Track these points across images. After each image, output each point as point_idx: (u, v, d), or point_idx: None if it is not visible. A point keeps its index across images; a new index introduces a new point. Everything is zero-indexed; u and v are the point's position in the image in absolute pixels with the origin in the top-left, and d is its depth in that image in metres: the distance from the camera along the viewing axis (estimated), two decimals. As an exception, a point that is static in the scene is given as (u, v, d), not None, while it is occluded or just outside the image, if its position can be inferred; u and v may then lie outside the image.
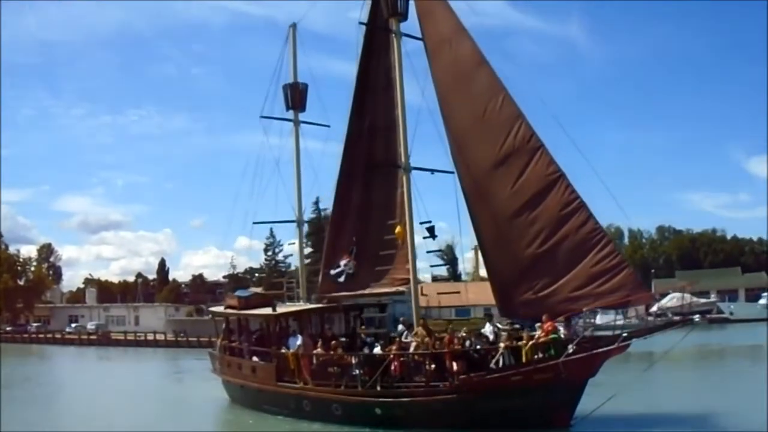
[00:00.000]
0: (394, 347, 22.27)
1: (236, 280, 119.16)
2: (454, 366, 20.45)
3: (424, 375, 20.94)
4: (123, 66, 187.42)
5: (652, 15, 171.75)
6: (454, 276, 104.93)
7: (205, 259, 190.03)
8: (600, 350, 19.15)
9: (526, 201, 21.32)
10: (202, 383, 40.17)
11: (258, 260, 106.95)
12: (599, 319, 25.27)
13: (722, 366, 38.00)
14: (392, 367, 21.40)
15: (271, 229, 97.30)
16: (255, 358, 26.36)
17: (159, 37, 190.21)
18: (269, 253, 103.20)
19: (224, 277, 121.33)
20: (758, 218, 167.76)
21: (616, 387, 20.09)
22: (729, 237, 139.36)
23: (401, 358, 21.42)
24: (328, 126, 30.45)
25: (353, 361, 22.57)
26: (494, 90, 22.14)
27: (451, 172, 24.53)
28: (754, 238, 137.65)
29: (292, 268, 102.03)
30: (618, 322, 19.83)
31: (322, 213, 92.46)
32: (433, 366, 20.88)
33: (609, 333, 19.74)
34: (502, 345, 20.15)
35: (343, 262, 25.10)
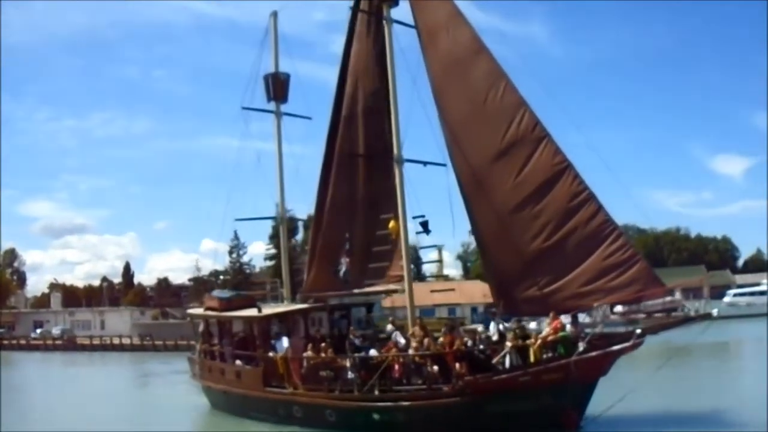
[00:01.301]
0: (392, 349, 21.15)
1: (201, 283, 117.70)
2: (458, 367, 19.34)
3: (426, 377, 19.78)
4: (86, 69, 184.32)
5: (615, 15, 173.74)
6: (418, 276, 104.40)
7: (170, 262, 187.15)
8: (614, 348, 18.20)
9: (530, 193, 20.28)
10: (175, 388, 39.03)
11: (223, 263, 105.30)
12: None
13: (719, 363, 37.31)
14: (391, 370, 20.21)
15: (235, 231, 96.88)
16: (238, 362, 25.01)
17: (121, 39, 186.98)
18: (233, 255, 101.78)
19: (189, 280, 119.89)
20: (721, 216, 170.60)
21: (627, 385, 19.08)
22: (693, 235, 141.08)
23: (401, 360, 20.23)
24: (310, 118, 29.38)
25: (348, 364, 21.34)
26: (495, 77, 21.09)
27: (444, 165, 23.59)
28: (718, 236, 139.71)
29: (257, 270, 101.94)
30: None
31: (287, 214, 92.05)
32: (435, 368, 19.75)
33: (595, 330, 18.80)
34: (509, 344, 19.06)
35: (341, 258, 23.80)
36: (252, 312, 25.08)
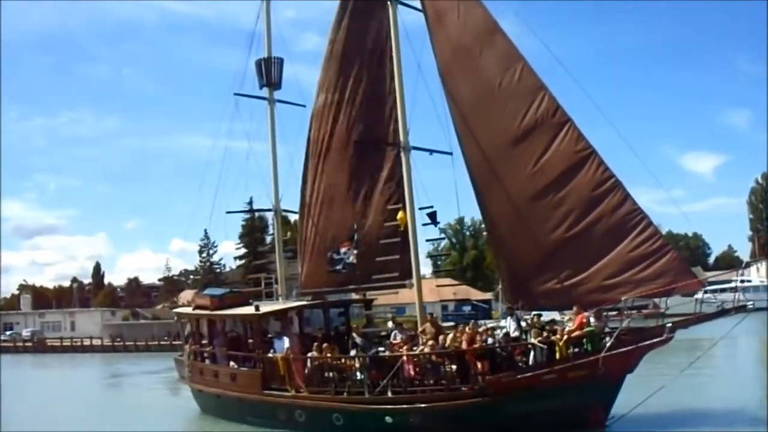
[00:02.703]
0: (404, 347, 19.95)
1: (171, 283, 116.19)
2: (479, 366, 18.20)
3: (443, 377, 18.60)
4: (54, 67, 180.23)
5: (584, 15, 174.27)
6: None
7: (140, 262, 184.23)
8: (644, 344, 17.23)
9: (551, 181, 19.16)
10: (155, 391, 37.53)
11: (192, 262, 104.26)
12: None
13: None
14: (404, 370, 18.98)
15: (205, 230, 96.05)
16: (233, 364, 23.59)
17: (90, 38, 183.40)
18: (204, 255, 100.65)
19: (160, 279, 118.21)
20: (693, 213, 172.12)
21: (655, 381, 18.13)
22: (664, 232, 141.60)
23: (417, 359, 19.02)
24: (304, 106, 27.91)
25: (357, 364, 20.07)
26: (512, 59, 19.93)
27: (450, 153, 22.48)
28: (689, 234, 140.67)
29: (227, 269, 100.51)
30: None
31: (257, 214, 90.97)
32: (453, 367, 18.59)
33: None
34: (534, 340, 17.98)
35: (343, 250, 22.42)
36: (248, 310, 23.68)
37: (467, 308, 75.52)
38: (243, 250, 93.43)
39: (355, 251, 22.03)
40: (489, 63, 20.34)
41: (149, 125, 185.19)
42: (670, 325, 17.12)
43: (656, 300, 20.51)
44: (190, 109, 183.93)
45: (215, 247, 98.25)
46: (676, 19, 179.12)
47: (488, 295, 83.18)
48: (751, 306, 17.06)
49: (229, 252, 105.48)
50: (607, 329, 18.36)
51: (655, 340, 17.10)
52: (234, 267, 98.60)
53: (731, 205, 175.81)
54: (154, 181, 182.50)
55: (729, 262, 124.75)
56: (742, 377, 27.86)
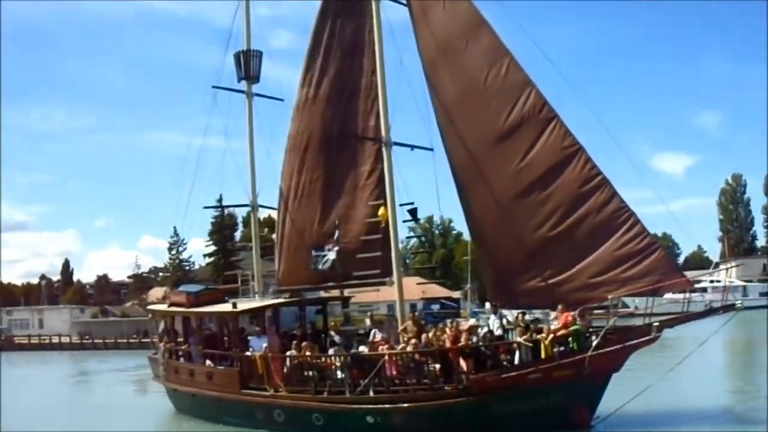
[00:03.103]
0: (383, 345, 19.60)
1: (141, 280, 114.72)
2: (463, 365, 17.90)
3: (426, 376, 18.27)
4: (25, 62, 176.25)
5: (558, 12, 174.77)
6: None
7: (109, 259, 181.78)
8: (632, 343, 17.07)
9: (536, 178, 18.91)
10: (126, 389, 36.80)
11: (162, 259, 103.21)
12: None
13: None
14: (387, 369, 18.62)
15: (174, 227, 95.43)
16: (209, 363, 23.04)
17: (62, 32, 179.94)
18: (173, 252, 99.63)
19: (129, 277, 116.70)
20: (662, 214, 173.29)
21: (641, 381, 17.97)
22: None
23: (400, 357, 18.65)
24: (282, 100, 27.46)
25: (337, 363, 19.66)
26: (498, 54, 19.64)
27: (431, 149, 22.12)
28: (659, 234, 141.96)
29: (196, 267, 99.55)
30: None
31: (226, 210, 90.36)
32: (436, 366, 18.26)
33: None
34: (520, 339, 17.71)
35: (327, 248, 21.96)
36: (225, 307, 23.15)
37: (436, 307, 75.38)
38: (212, 248, 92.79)
39: (336, 248, 21.55)
40: (474, 57, 20.03)
41: (121, 122, 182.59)
42: (657, 324, 16.94)
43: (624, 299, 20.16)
44: (164, 105, 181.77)
45: (185, 244, 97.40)
46: (648, 20, 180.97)
47: (457, 294, 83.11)
48: (739, 305, 16.92)
49: (198, 249, 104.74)
50: (591, 328, 18.19)
51: (642, 339, 16.93)
52: (203, 264, 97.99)
53: (701, 205, 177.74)
54: (125, 177, 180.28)
55: (698, 262, 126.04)
56: (724, 376, 27.72)
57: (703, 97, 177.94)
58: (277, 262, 24.53)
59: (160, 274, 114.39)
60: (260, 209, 26.75)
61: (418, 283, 27.85)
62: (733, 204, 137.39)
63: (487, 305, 21.31)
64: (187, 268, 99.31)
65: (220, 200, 69.26)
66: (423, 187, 24.03)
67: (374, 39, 21.91)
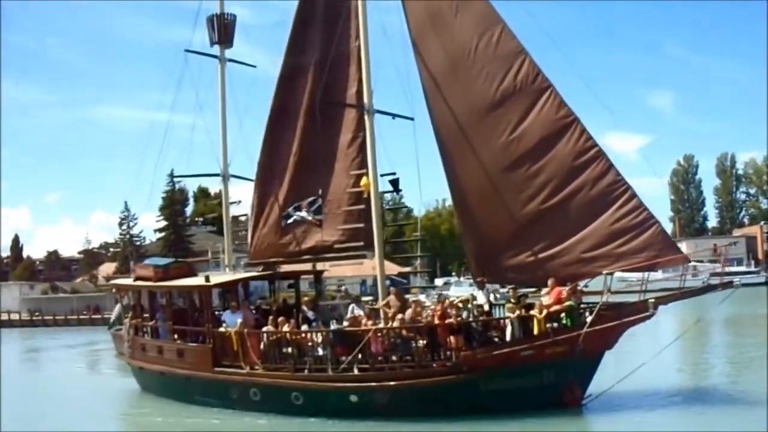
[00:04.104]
0: (364, 321, 18.87)
1: (91, 256, 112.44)
2: (453, 341, 17.26)
3: (413, 353, 17.60)
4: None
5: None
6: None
7: (60, 235, 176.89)
8: (628, 319, 16.64)
9: (529, 149, 18.28)
10: (81, 367, 35.49)
11: (113, 234, 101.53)
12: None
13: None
14: (372, 345, 17.88)
15: (125, 202, 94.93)
16: (178, 340, 22.01)
17: (11, 6, 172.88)
18: (123, 227, 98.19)
19: (79, 252, 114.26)
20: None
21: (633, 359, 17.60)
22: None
23: (386, 334, 17.92)
24: (254, 66, 26.46)
25: (318, 339, 18.86)
26: (490, 21, 18.85)
27: (411, 119, 21.34)
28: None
29: (147, 242, 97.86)
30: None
31: (177, 185, 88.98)
32: (423, 342, 17.59)
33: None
34: (512, 315, 17.13)
35: (304, 209, 21.07)
36: (197, 281, 22.11)
37: (386, 283, 75.18)
38: (163, 223, 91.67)
39: (318, 217, 20.67)
40: (465, 25, 19.24)
41: (75, 96, 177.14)
42: (653, 300, 16.52)
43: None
44: (117, 81, 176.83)
45: (135, 219, 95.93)
46: (602, 3, 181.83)
47: (407, 270, 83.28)
48: (737, 282, 16.62)
49: (149, 225, 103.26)
50: (581, 305, 17.74)
51: (639, 315, 16.51)
52: (154, 240, 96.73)
53: (652, 185, 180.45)
54: (79, 152, 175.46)
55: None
56: (718, 356, 27.44)
57: (656, 77, 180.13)
58: (251, 235, 23.57)
59: (111, 249, 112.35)
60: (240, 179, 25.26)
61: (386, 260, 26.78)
62: (685, 185, 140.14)
63: (437, 281, 20.72)
64: (138, 243, 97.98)
65: (171, 174, 67.81)
66: (402, 158, 23.31)
67: (358, 4, 20.95)
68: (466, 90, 19.23)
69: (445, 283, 76.62)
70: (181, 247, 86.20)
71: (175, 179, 79.32)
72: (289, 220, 21.40)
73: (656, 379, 19.21)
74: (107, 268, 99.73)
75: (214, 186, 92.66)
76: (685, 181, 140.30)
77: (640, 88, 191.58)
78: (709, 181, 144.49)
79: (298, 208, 21.28)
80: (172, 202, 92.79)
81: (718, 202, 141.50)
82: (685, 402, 17.80)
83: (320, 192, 20.76)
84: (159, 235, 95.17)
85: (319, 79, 21.80)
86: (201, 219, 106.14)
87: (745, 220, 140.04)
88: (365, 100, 20.75)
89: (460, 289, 59.86)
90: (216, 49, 24.90)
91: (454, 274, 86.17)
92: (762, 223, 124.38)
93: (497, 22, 18.81)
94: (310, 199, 21.02)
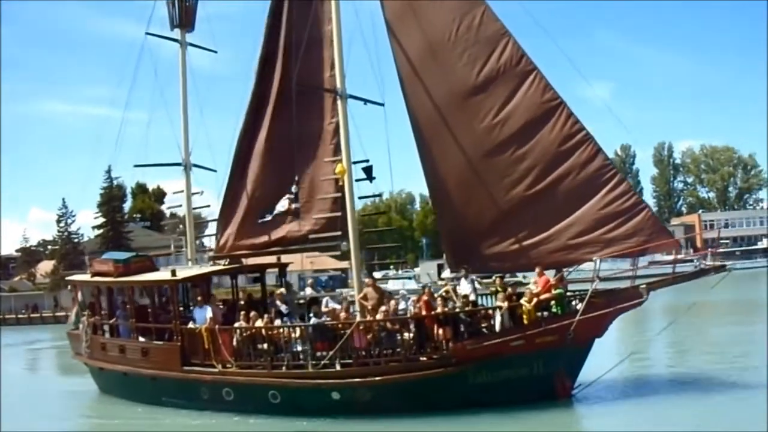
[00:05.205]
0: (342, 315, 18.10)
1: (29, 254, 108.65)
2: (440, 333, 16.63)
3: (399, 346, 16.90)
4: None
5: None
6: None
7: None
8: (621, 306, 16.30)
9: (513, 133, 17.74)
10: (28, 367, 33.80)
11: (51, 232, 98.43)
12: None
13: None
14: (355, 339, 17.11)
15: (63, 199, 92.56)
16: (141, 338, 20.85)
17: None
18: (62, 224, 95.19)
19: (17, 250, 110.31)
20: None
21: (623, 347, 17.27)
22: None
23: (371, 327, 17.17)
24: (215, 51, 25.34)
25: (295, 334, 17.99)
26: (470, 3, 18.19)
27: (382, 104, 20.57)
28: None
29: (85, 239, 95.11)
30: None
31: (115, 181, 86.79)
32: (408, 335, 16.91)
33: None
34: (502, 304, 16.58)
35: (280, 203, 20.18)
36: (162, 275, 20.98)
37: (324, 278, 74.97)
38: (101, 219, 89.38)
39: (294, 206, 19.79)
40: (445, 6, 18.61)
41: (12, 90, 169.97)
42: (644, 286, 16.21)
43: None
44: (62, 75, 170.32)
45: (73, 216, 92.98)
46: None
47: (344, 264, 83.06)
48: (729, 266, 16.45)
49: (87, 222, 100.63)
50: (568, 292, 17.36)
51: (631, 302, 16.19)
52: (92, 237, 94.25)
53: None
54: (15, 148, 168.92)
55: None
56: (709, 344, 27.12)
57: (593, 68, 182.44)
58: (221, 227, 22.55)
59: (49, 247, 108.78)
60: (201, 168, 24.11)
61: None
62: (622, 174, 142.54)
63: (376, 275, 20.16)
64: (76, 240, 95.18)
65: (108, 171, 65.37)
66: (371, 145, 22.59)
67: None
68: (447, 73, 18.60)
69: (384, 277, 76.58)
70: (119, 244, 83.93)
71: (113, 176, 77.81)
72: (268, 217, 20.37)
73: (646, 367, 18.94)
74: (45, 266, 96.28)
75: (151, 182, 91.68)
76: (622, 170, 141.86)
77: (576, 77, 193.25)
78: (646, 171, 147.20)
79: (273, 205, 20.35)
80: (110, 199, 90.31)
81: (655, 192, 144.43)
82: (676, 391, 17.48)
83: (296, 179, 19.80)
84: (97, 231, 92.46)
85: (291, 63, 20.91)
86: (139, 215, 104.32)
87: (683, 209, 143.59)
88: (338, 84, 19.94)
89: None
90: (177, 33, 23.67)
91: (392, 267, 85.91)
92: (700, 211, 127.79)
93: (479, 3, 18.20)
94: (287, 191, 20.06)
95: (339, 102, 19.99)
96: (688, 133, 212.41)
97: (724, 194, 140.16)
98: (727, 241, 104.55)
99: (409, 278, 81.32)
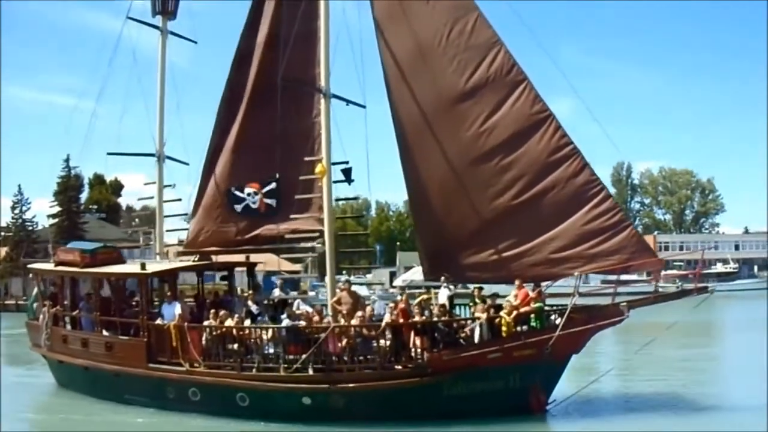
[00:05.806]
0: (315, 318, 17.71)
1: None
2: (418, 342, 16.35)
3: (374, 353, 16.57)
4: None
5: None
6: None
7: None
8: (602, 323, 16.22)
9: (499, 143, 17.56)
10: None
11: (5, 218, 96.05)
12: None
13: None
14: (329, 344, 16.73)
15: (19, 185, 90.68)
16: (105, 332, 20.16)
17: None
18: (16, 212, 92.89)
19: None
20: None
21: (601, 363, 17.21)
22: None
23: (346, 332, 16.80)
24: (195, 42, 24.82)
25: (266, 336, 17.53)
26: (464, 8, 18.02)
27: (363, 106, 20.24)
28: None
29: (40, 227, 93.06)
30: None
31: (73, 171, 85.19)
32: (384, 342, 16.59)
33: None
34: (482, 315, 16.37)
35: (248, 190, 19.70)
36: (130, 268, 20.34)
37: (276, 279, 74.22)
38: (57, 209, 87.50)
39: (269, 201, 19.35)
40: (437, 11, 18.38)
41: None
42: (625, 304, 16.16)
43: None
44: (31, 62, 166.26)
45: (29, 203, 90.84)
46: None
47: (297, 267, 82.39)
48: (712, 288, 16.50)
49: (42, 210, 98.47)
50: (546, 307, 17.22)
51: (612, 320, 16.11)
52: (47, 225, 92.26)
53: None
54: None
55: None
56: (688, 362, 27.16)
57: (555, 84, 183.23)
58: (192, 221, 22.02)
59: (2, 234, 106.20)
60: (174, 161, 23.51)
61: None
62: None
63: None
64: (30, 228, 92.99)
65: (67, 160, 64.12)
66: (351, 147, 22.27)
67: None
68: (435, 78, 18.38)
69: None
70: (73, 234, 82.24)
71: (72, 166, 76.24)
72: (240, 205, 19.88)
73: (622, 385, 18.88)
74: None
75: (108, 174, 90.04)
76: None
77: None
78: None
79: (251, 194, 19.82)
80: (67, 188, 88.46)
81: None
82: (648, 409, 17.43)
83: (277, 176, 19.35)
84: (52, 221, 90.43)
85: (273, 59, 20.48)
86: (95, 206, 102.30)
87: (639, 230, 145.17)
88: (322, 83, 19.60)
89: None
90: (159, 20, 23.09)
91: (344, 272, 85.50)
92: (656, 232, 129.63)
93: (472, 9, 18.03)
94: (267, 183, 19.60)
95: (322, 101, 19.68)
96: (648, 154, 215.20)
97: (681, 217, 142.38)
98: (681, 263, 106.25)
99: (361, 284, 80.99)
